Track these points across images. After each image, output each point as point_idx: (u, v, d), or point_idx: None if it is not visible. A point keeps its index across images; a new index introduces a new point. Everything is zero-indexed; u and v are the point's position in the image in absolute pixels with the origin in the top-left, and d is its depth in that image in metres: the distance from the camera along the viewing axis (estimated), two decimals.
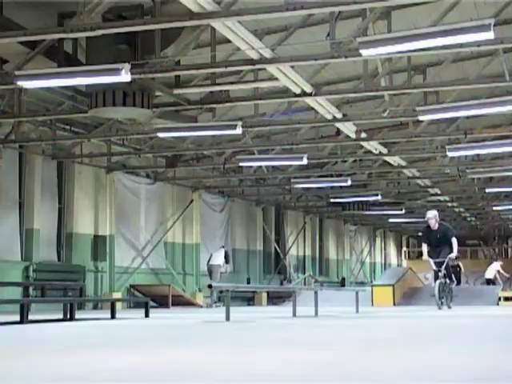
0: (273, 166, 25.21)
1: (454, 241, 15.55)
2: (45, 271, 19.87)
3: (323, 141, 21.56)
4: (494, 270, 33.17)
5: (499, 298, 24.72)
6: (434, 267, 15.54)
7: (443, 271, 15.49)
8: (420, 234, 15.78)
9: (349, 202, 30.86)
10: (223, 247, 25.02)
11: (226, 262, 23.87)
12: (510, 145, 19.37)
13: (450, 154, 20.44)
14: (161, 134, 17.62)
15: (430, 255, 15.66)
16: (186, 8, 10.70)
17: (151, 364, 4.20)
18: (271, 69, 13.45)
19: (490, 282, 32.74)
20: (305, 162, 20.14)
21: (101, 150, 21.43)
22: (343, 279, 38.47)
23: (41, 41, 12.91)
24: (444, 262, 15.43)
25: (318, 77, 15.78)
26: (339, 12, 12.58)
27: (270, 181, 28.27)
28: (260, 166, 24.81)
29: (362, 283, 39.06)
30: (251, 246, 31.40)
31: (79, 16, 11.10)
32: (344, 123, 18.23)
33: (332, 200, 29.97)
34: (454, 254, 15.46)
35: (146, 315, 13.16)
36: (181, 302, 23.41)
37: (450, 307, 16.42)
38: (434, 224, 15.77)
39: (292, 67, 13.60)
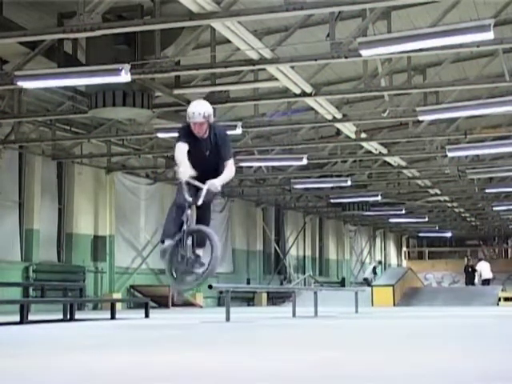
0: (273, 167, 25.20)
1: (231, 164, 7.98)
2: (45, 272, 19.87)
3: (323, 141, 21.55)
4: (488, 269, 33.24)
5: (499, 299, 24.75)
6: (187, 196, 7.80)
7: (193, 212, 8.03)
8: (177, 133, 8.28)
9: (349, 203, 30.86)
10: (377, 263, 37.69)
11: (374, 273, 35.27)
12: (510, 145, 19.39)
13: (449, 155, 20.45)
14: (161, 134, 17.62)
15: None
16: (186, 8, 10.70)
17: (150, 365, 4.20)
18: (271, 69, 13.45)
19: (486, 281, 32.79)
20: (305, 162, 20.16)
21: (101, 151, 21.42)
22: (343, 279, 38.48)
23: (41, 41, 12.91)
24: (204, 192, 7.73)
25: (318, 77, 15.77)
26: (339, 12, 12.58)
27: (269, 181, 28.26)
28: (260, 167, 24.80)
29: (362, 283, 39.04)
30: (251, 246, 31.38)
31: (79, 16, 11.10)
32: (344, 123, 18.22)
33: (332, 200, 29.97)
34: (218, 183, 7.76)
35: (146, 316, 13.15)
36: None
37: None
38: (205, 131, 7.96)
39: (292, 67, 13.60)
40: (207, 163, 7.83)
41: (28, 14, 13.69)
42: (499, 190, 29.80)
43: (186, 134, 7.99)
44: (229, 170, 7.93)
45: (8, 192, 19.43)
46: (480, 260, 37.13)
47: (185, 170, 7.63)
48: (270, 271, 33.26)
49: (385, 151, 21.48)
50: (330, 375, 3.62)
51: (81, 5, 11.16)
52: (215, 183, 7.73)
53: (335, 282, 37.80)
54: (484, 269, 33.32)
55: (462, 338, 6.82)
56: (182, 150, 7.85)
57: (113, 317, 12.41)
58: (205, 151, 7.90)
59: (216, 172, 7.85)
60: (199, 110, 7.84)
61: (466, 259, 37.65)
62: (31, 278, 19.46)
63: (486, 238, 51.06)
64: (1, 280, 17.48)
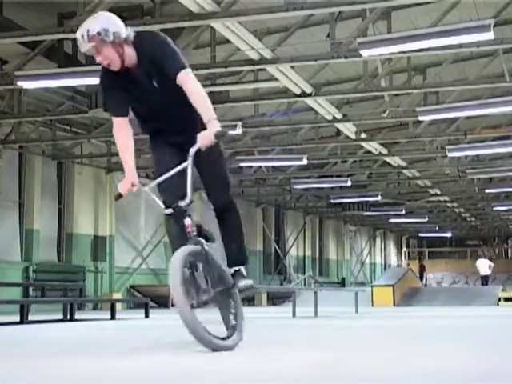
0: (273, 167, 25.22)
1: (188, 78, 5.27)
2: (45, 271, 19.88)
3: (323, 141, 21.57)
4: (486, 265, 33.33)
5: (499, 299, 24.74)
6: (162, 204, 5.31)
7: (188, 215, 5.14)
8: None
9: (349, 203, 30.88)
10: None
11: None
12: (510, 145, 19.40)
13: (450, 155, 20.46)
14: None
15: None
16: (186, 8, 10.71)
17: (150, 365, 4.20)
18: (271, 69, 13.46)
19: (485, 279, 32.95)
20: (305, 162, 20.18)
21: (101, 151, 21.43)
22: (343, 279, 38.48)
23: (41, 41, 12.92)
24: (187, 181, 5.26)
25: (318, 77, 15.79)
26: (339, 12, 12.59)
27: (269, 181, 28.28)
28: (260, 167, 24.82)
29: (362, 284, 39.07)
30: (251, 246, 31.37)
31: (79, 16, 11.11)
32: (344, 124, 18.24)
33: (332, 200, 29.99)
34: (214, 132, 4.93)
35: (146, 316, 13.16)
36: None
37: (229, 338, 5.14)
38: (119, 58, 4.79)
39: (292, 67, 13.61)
40: (165, 101, 5.14)
41: (28, 14, 13.70)
42: (499, 190, 29.82)
43: (107, 80, 4.99)
44: (193, 89, 5.15)
45: (8, 192, 19.44)
46: (479, 257, 37.37)
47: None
48: (270, 271, 33.26)
49: (385, 151, 21.49)
50: (330, 375, 3.62)
51: (81, 5, 11.17)
52: (205, 136, 4.92)
53: (335, 282, 37.81)
54: (482, 266, 33.44)
55: (462, 337, 6.82)
56: (118, 137, 5.37)
57: (113, 317, 12.41)
58: (150, 86, 5.02)
59: (177, 109, 5.18)
60: (80, 32, 4.68)
61: (418, 260, 38.08)
62: (31, 278, 19.47)
63: (486, 238, 51.08)
64: (1, 280, 17.49)
